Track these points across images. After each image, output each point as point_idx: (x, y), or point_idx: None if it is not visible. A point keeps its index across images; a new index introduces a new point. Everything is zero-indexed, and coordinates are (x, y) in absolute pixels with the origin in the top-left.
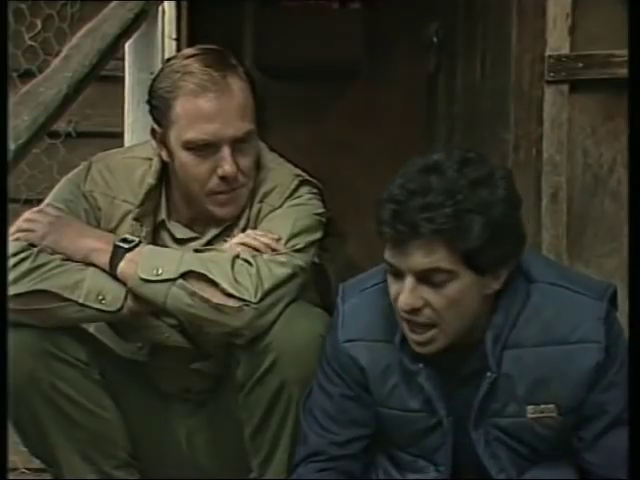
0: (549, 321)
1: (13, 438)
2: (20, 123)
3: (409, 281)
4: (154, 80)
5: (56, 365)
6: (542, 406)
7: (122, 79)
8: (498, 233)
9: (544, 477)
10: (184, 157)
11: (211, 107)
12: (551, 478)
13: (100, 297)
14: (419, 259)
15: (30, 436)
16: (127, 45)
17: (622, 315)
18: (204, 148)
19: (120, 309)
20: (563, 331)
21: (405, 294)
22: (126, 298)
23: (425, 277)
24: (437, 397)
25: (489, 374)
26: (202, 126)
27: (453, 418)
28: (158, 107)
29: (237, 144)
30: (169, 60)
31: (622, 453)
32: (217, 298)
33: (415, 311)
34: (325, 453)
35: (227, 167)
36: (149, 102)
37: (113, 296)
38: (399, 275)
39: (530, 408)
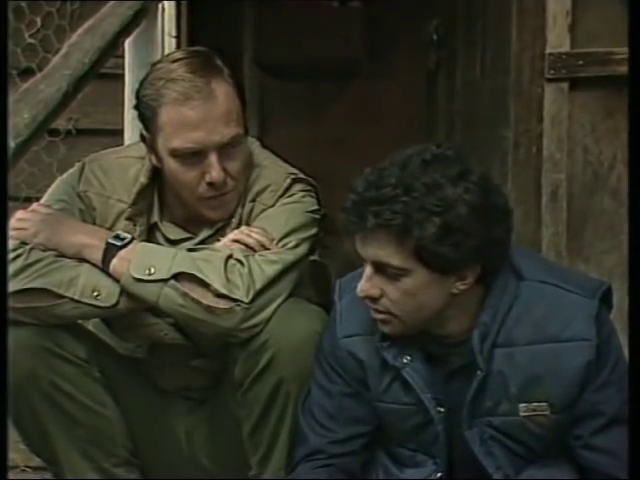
0: (540, 319)
1: (13, 436)
2: (20, 121)
3: (367, 270)
4: (140, 86)
5: (55, 363)
6: (534, 404)
7: (122, 77)
8: (456, 235)
9: (541, 476)
10: (172, 164)
11: (195, 115)
12: (548, 477)
13: (95, 293)
14: (371, 251)
15: (30, 434)
16: (127, 43)
17: (622, 312)
18: (191, 156)
19: (116, 304)
20: (554, 329)
21: (362, 282)
22: (121, 294)
23: (380, 268)
24: (424, 390)
25: (479, 372)
26: (187, 135)
27: (447, 411)
28: (144, 114)
29: (224, 149)
30: (155, 64)
31: (620, 452)
32: (208, 299)
33: (372, 299)
34: (325, 452)
35: (214, 174)
36: (136, 108)
37: (108, 292)
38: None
39: (522, 406)
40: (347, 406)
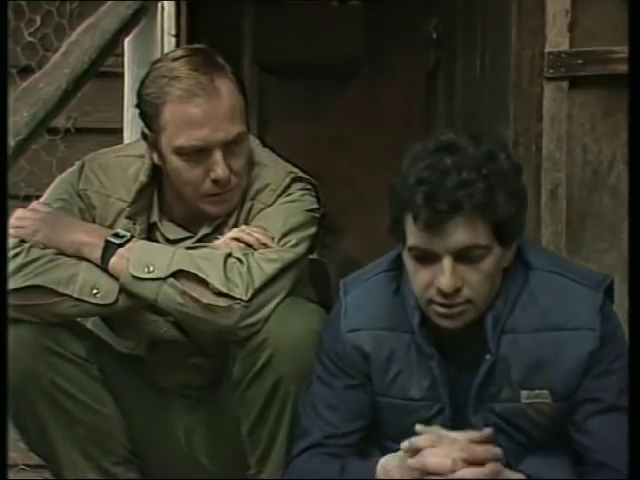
0: (545, 307)
1: (12, 435)
2: (19, 119)
3: (447, 262)
4: (141, 85)
5: (55, 361)
6: (536, 391)
7: (121, 75)
8: (518, 202)
9: (540, 465)
10: (176, 162)
11: (200, 113)
12: (546, 466)
13: (94, 291)
14: (460, 236)
15: (29, 433)
16: (126, 41)
17: (622, 310)
18: (195, 153)
19: (115, 302)
20: (559, 318)
21: (446, 276)
22: (120, 292)
23: (463, 255)
24: (443, 383)
25: (488, 356)
26: (192, 132)
27: (455, 407)
28: (147, 112)
29: (228, 147)
30: (156, 62)
31: (614, 438)
32: (207, 298)
33: (455, 292)
34: (325, 445)
35: (219, 171)
36: (138, 106)
37: (107, 290)
38: (431, 259)
39: (524, 393)
40: (352, 399)
